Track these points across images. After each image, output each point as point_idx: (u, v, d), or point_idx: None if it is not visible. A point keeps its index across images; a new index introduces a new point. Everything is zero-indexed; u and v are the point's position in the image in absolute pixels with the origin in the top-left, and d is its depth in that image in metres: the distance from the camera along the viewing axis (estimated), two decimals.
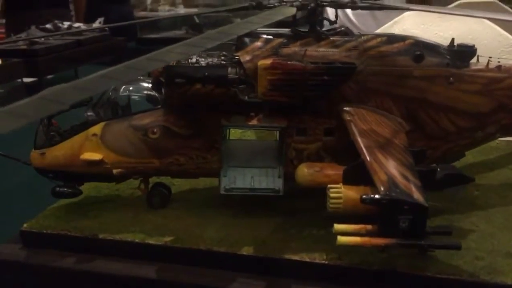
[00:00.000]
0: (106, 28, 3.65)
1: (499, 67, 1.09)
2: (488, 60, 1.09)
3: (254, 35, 1.07)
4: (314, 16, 1.05)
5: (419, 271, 0.89)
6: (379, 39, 1.05)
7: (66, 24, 3.29)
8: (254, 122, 1.04)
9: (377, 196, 0.83)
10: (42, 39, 3.17)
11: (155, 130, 1.09)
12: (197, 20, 3.89)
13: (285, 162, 1.07)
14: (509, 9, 2.73)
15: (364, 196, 0.84)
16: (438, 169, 0.97)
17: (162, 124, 1.08)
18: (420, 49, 1.05)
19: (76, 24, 3.45)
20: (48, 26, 3.20)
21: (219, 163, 1.08)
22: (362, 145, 0.94)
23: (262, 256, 0.98)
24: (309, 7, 1.02)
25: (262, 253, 0.99)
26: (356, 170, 0.91)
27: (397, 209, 0.82)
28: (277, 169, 1.08)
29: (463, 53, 1.08)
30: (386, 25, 2.15)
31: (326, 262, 0.94)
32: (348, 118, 1.01)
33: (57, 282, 1.07)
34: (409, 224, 0.82)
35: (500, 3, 2.69)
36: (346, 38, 1.06)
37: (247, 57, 1.02)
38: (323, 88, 0.99)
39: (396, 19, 2.18)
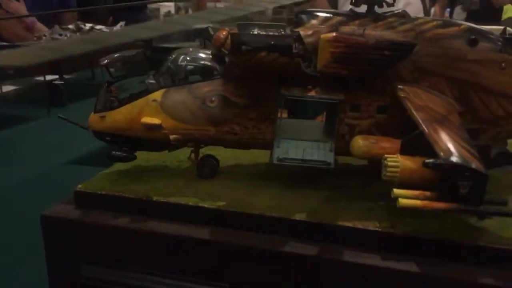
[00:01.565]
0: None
1: None
2: None
3: (312, 13, 1.11)
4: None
5: (471, 241, 0.92)
6: (435, 23, 1.09)
7: (88, 25, 3.36)
8: (312, 93, 1.08)
9: (440, 161, 0.86)
10: (65, 37, 3.25)
11: (213, 98, 1.12)
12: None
13: (336, 137, 1.10)
14: None
15: (427, 161, 0.87)
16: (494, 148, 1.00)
17: (220, 93, 1.12)
18: (474, 34, 1.09)
19: (98, 26, 3.52)
20: (70, 26, 3.28)
21: (273, 135, 1.12)
22: (419, 118, 0.97)
23: (315, 221, 1.01)
24: None
25: (315, 220, 1.02)
26: (414, 141, 0.94)
27: (458, 175, 0.85)
28: (329, 143, 1.11)
29: None
30: None
31: (380, 230, 0.97)
32: (403, 95, 1.05)
33: (111, 241, 1.11)
34: (469, 191, 0.85)
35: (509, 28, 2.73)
36: (402, 20, 1.10)
37: (308, 32, 1.06)
38: (383, 63, 1.03)
39: None
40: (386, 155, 0.95)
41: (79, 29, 3.31)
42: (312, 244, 1.00)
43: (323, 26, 1.08)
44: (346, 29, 1.07)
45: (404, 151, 0.95)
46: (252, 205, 1.08)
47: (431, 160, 0.87)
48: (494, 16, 3.35)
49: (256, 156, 1.27)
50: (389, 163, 0.93)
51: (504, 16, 3.40)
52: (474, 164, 0.86)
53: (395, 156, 0.94)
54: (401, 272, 0.92)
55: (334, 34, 1.02)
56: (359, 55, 1.01)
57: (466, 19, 3.31)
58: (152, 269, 1.08)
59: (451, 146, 0.89)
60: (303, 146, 1.12)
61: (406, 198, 0.88)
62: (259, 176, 1.21)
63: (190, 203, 1.09)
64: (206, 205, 1.08)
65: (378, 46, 1.02)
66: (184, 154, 1.24)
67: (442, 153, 0.87)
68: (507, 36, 1.13)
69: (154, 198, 1.12)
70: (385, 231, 0.96)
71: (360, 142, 1.03)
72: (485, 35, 1.11)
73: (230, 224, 1.05)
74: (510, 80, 1.10)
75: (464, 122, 1.08)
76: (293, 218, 1.02)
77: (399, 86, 1.07)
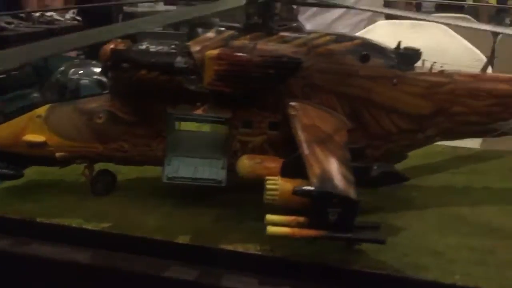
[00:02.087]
0: (79, 18, 3.64)
1: (441, 72, 1.12)
2: (431, 65, 1.12)
3: (208, 26, 1.07)
4: (266, 10, 1.06)
5: (347, 265, 0.91)
6: (328, 37, 1.07)
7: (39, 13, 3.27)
8: (199, 111, 1.04)
9: (308, 188, 0.85)
10: (13, 26, 3.14)
11: (100, 115, 1.08)
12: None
13: (229, 154, 1.07)
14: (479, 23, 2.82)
15: (296, 188, 0.85)
16: (375, 167, 0.99)
17: (108, 109, 1.08)
18: (366, 49, 1.07)
19: (49, 13, 3.43)
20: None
21: (164, 152, 1.08)
22: (301, 139, 0.95)
23: (197, 245, 0.99)
24: (259, 1, 1.03)
25: (199, 242, 0.99)
26: (294, 163, 0.92)
27: (327, 202, 0.84)
28: (222, 160, 1.08)
29: (408, 56, 1.11)
30: (359, 33, 2.19)
31: (259, 253, 0.95)
32: (292, 113, 1.03)
33: None
34: (338, 217, 0.84)
35: (472, 18, 2.78)
36: (296, 35, 1.07)
37: (197, 47, 1.03)
38: (267, 82, 1.01)
39: (369, 27, 2.24)
40: (267, 177, 0.93)
41: (29, 17, 3.20)
42: (194, 268, 0.97)
43: (214, 41, 1.04)
44: (237, 43, 1.04)
45: (284, 173, 0.93)
46: (138, 226, 1.04)
47: (300, 187, 0.85)
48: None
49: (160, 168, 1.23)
50: (268, 186, 0.91)
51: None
52: (345, 190, 0.85)
53: (276, 178, 0.92)
54: None
55: (217, 51, 0.98)
56: (243, 73, 0.99)
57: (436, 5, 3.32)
58: None
59: (323, 171, 0.87)
60: (195, 163, 1.09)
61: (278, 224, 0.86)
62: (155, 193, 1.17)
63: (74, 225, 1.05)
64: (90, 226, 1.04)
65: (263, 63, 0.99)
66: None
67: (313, 179, 0.86)
68: (401, 51, 1.12)
69: (38, 219, 1.07)
70: (264, 254, 0.94)
71: (245, 162, 1.00)
72: (377, 50, 1.10)
73: (113, 247, 1.02)
74: (401, 96, 1.09)
75: (356, 138, 1.07)
76: (176, 241, 0.99)
77: (290, 103, 1.05)
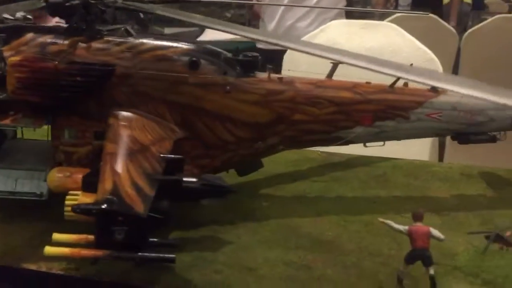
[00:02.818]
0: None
1: (280, 79, 1.08)
2: (269, 72, 1.08)
3: (29, 29, 1.01)
4: (88, 13, 1.00)
5: (150, 285, 0.86)
6: (156, 43, 1.02)
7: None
8: (7, 121, 0.98)
9: (88, 205, 0.79)
10: None
11: None
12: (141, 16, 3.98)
13: (54, 165, 1.01)
14: (446, 24, 2.83)
15: (75, 206, 0.80)
16: (195, 179, 0.94)
17: None
18: (197, 55, 1.02)
19: None
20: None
21: None
22: (106, 151, 0.90)
23: (2, 264, 0.92)
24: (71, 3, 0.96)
25: (7, 261, 0.93)
26: (94, 177, 0.87)
27: (111, 220, 0.79)
28: (44, 172, 1.02)
29: (246, 62, 1.07)
30: (312, 33, 2.17)
31: (62, 273, 0.89)
32: (111, 122, 0.97)
33: None
34: (125, 236, 0.79)
35: (439, 18, 2.78)
36: (121, 39, 1.02)
37: (10, 53, 0.96)
38: (76, 90, 0.95)
39: (322, 27, 2.22)
40: (69, 192, 0.88)
41: None
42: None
43: (31, 45, 0.98)
44: (54, 48, 0.98)
45: (85, 187, 0.87)
46: None
47: (79, 205, 0.80)
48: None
49: None
50: (67, 202, 0.86)
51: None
52: (135, 208, 0.80)
53: (77, 193, 0.87)
54: None
55: (19, 57, 0.92)
56: (48, 81, 0.93)
57: (411, 4, 3.30)
58: None
59: (114, 187, 0.82)
60: (16, 176, 1.02)
61: (64, 243, 0.81)
62: None
63: None
64: None
65: (69, 71, 0.93)
66: None
67: (99, 195, 0.80)
68: (239, 57, 1.07)
69: None
70: (67, 274, 0.89)
71: (54, 175, 0.95)
72: (209, 56, 1.05)
73: None
74: (236, 104, 1.05)
75: (191, 148, 1.04)
76: None
77: (114, 112, 0.99)
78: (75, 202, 0.85)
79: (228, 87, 1.04)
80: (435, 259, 0.83)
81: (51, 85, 0.93)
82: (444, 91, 1.11)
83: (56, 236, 0.82)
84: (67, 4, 0.95)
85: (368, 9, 3.98)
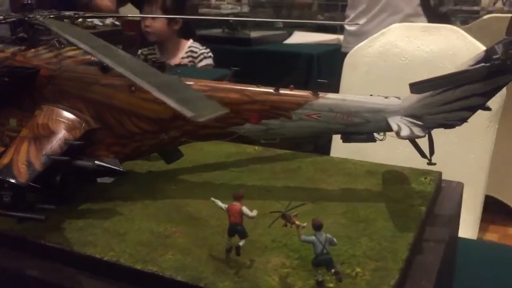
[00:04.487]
0: (118, 23, 3.97)
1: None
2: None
3: None
4: (30, 27, 1.28)
5: (37, 239, 1.11)
6: (77, 51, 1.28)
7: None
8: None
9: None
10: None
11: None
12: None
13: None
14: None
15: None
16: (94, 161, 1.18)
17: None
18: None
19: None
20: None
21: None
22: (20, 135, 1.16)
23: None
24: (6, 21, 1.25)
25: None
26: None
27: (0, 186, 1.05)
28: None
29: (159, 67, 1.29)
30: (373, 36, 2.36)
31: None
32: (35, 114, 1.24)
33: None
34: (11, 199, 1.05)
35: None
36: (51, 48, 1.28)
37: None
38: (5, 87, 1.23)
39: (383, 30, 2.38)
40: None
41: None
42: None
43: None
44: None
45: None
46: None
47: None
48: None
49: None
50: None
51: None
52: (19, 179, 1.05)
53: None
54: None
55: None
56: None
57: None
58: None
59: (10, 161, 1.08)
60: None
61: None
62: None
63: None
64: None
65: (3, 73, 1.22)
66: None
67: None
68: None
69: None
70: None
71: None
72: None
73: None
74: (139, 102, 1.27)
75: (105, 137, 1.28)
76: None
77: (40, 105, 1.26)
78: None
79: (133, 88, 1.26)
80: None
81: None
82: (323, 95, 1.25)
83: None
84: (3, 22, 1.24)
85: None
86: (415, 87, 1.13)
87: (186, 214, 1.22)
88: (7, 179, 1.05)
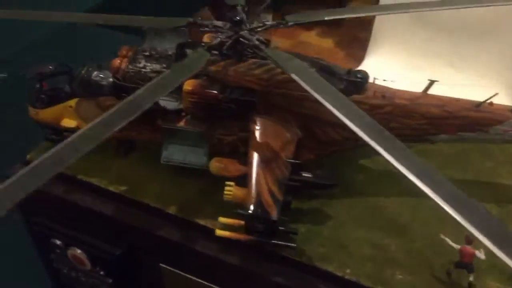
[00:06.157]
0: None
1: (383, 96, 1.34)
2: (375, 90, 1.34)
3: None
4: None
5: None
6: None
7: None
8: (182, 123, 1.38)
9: (242, 211, 1.22)
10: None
11: None
12: None
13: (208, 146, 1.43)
14: None
15: (235, 211, 1.23)
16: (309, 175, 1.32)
17: None
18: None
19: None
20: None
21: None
22: (250, 159, 1.28)
23: (181, 216, 1.41)
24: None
25: (182, 213, 1.42)
26: (243, 179, 1.27)
27: (256, 221, 1.22)
28: (204, 148, 1.44)
29: (356, 81, 1.34)
30: None
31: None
32: (253, 128, 1.33)
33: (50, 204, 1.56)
34: (264, 229, 1.23)
35: None
36: (261, 62, 1.32)
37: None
38: (231, 112, 1.31)
39: None
40: (226, 182, 1.30)
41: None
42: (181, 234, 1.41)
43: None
44: (215, 68, 1.32)
45: (238, 183, 1.29)
46: (145, 191, 1.48)
47: (239, 211, 1.22)
48: None
49: None
50: (226, 188, 1.28)
51: None
52: (268, 214, 1.19)
53: (232, 184, 1.29)
54: None
55: (191, 87, 1.28)
56: (211, 105, 1.29)
57: None
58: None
59: (257, 196, 1.22)
60: (184, 150, 1.45)
61: (226, 224, 1.26)
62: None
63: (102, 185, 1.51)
64: (112, 188, 1.49)
65: (225, 100, 1.28)
66: None
67: (246, 202, 1.21)
68: (351, 76, 1.34)
69: (78, 176, 1.53)
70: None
71: (213, 164, 1.35)
72: (327, 76, 1.32)
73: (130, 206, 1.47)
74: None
75: (308, 142, 1.39)
76: (167, 211, 1.43)
77: (254, 117, 1.35)
78: (231, 192, 1.28)
79: None
80: None
81: (214, 107, 1.30)
82: None
83: (221, 219, 1.27)
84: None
85: None
86: None
87: (389, 219, 1.39)
88: (262, 216, 1.21)
